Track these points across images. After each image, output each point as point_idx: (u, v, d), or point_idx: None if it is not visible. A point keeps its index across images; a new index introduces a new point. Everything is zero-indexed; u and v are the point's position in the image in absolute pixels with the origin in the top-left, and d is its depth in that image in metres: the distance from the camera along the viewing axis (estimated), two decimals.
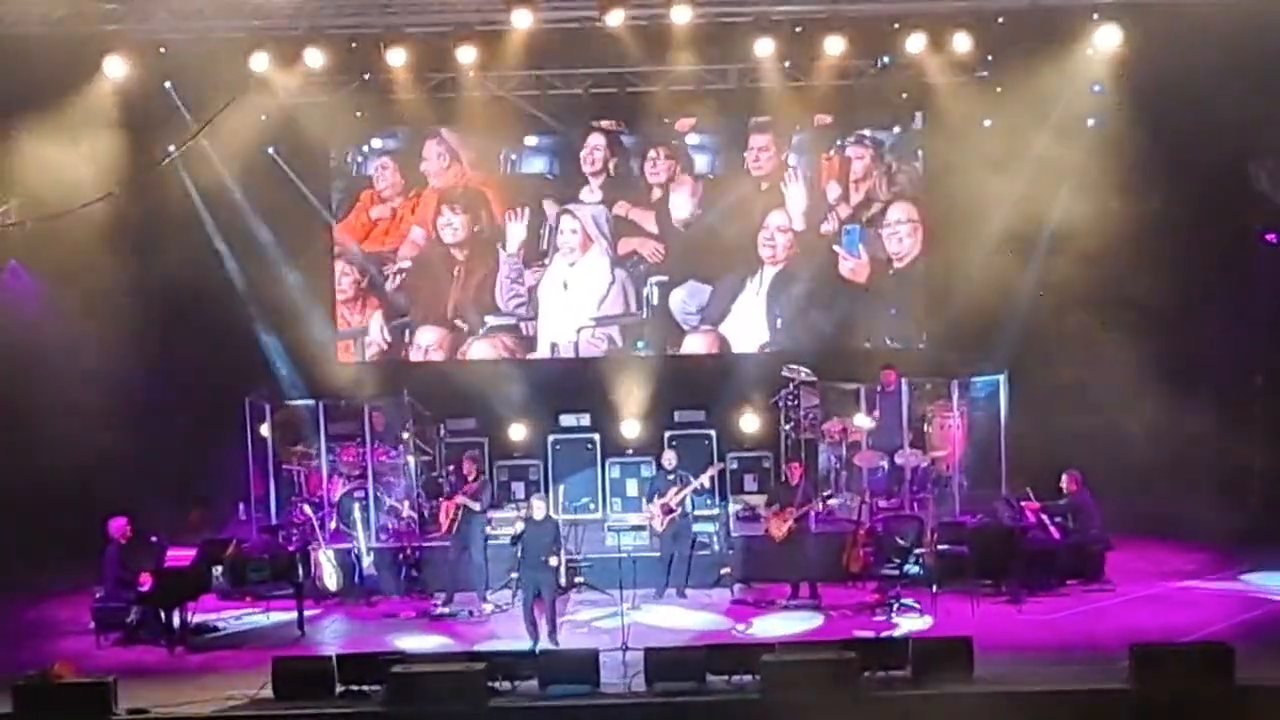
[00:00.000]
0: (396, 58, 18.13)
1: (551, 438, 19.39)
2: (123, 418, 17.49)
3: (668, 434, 19.08)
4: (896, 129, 20.43)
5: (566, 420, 19.61)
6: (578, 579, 17.36)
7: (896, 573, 16.51)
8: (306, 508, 18.26)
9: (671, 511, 17.24)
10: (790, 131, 20.41)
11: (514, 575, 16.53)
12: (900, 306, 20.56)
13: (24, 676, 13.33)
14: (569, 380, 20.31)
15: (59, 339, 17.61)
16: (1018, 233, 19.16)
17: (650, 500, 17.51)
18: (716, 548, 17.81)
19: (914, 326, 20.56)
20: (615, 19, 17.29)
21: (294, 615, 16.28)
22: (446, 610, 16.81)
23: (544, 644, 15.07)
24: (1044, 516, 16.79)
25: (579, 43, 18.29)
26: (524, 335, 20.80)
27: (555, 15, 17.72)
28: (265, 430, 18.78)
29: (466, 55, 18.07)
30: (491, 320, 20.77)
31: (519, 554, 15.71)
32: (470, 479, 17.54)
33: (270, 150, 19.80)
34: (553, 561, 15.58)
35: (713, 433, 19.34)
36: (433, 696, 12.96)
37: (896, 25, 18.02)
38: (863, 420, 18.71)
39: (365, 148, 20.65)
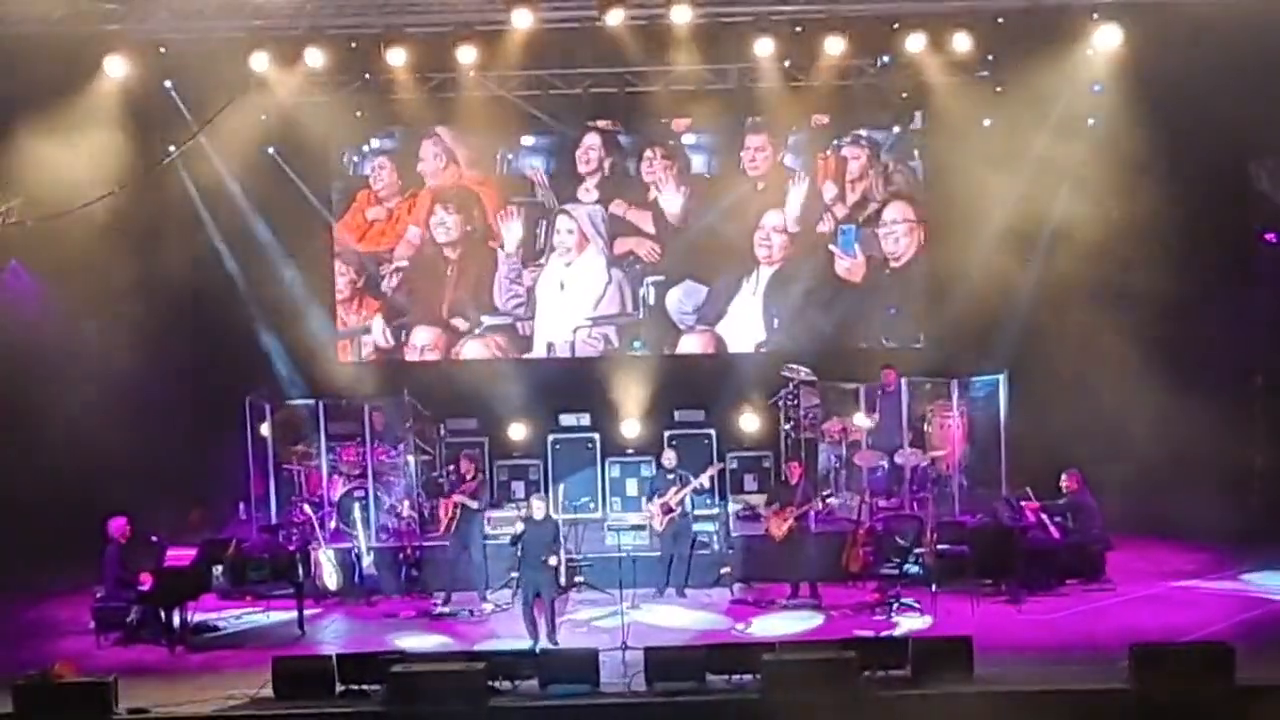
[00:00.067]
0: (396, 57, 18.13)
1: (551, 437, 19.38)
2: (123, 417, 17.46)
3: (667, 434, 19.08)
4: (896, 129, 20.41)
5: (566, 420, 19.60)
6: (578, 578, 17.36)
7: (896, 572, 16.52)
8: (306, 507, 18.27)
9: (671, 511, 17.25)
10: (786, 131, 20.40)
11: (514, 575, 16.53)
12: (897, 306, 20.55)
13: (24, 676, 13.34)
14: (569, 380, 20.31)
15: (59, 339, 17.64)
16: (1018, 232, 19.16)
17: (650, 500, 17.51)
18: (716, 547, 17.82)
19: (911, 326, 20.54)
20: (615, 19, 17.29)
21: (294, 615, 16.28)
22: (446, 610, 16.81)
23: (544, 644, 15.07)
24: (1044, 516, 16.80)
25: (578, 43, 18.29)
26: (521, 335, 20.79)
27: (555, 15, 17.72)
28: (265, 430, 18.77)
29: (466, 55, 18.07)
30: (489, 320, 20.76)
31: (519, 554, 15.71)
32: (468, 478, 17.55)
33: (270, 150, 19.79)
34: (552, 561, 15.59)
35: (712, 432, 19.34)
36: (433, 696, 12.97)
37: (896, 25, 18.02)
38: (862, 420, 18.71)
39: (365, 147, 20.64)
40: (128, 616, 15.79)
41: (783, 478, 17.89)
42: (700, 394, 19.85)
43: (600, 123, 20.40)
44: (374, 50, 18.19)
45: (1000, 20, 17.95)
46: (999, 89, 19.18)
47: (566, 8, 17.68)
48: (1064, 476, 17.01)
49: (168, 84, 18.43)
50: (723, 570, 17.44)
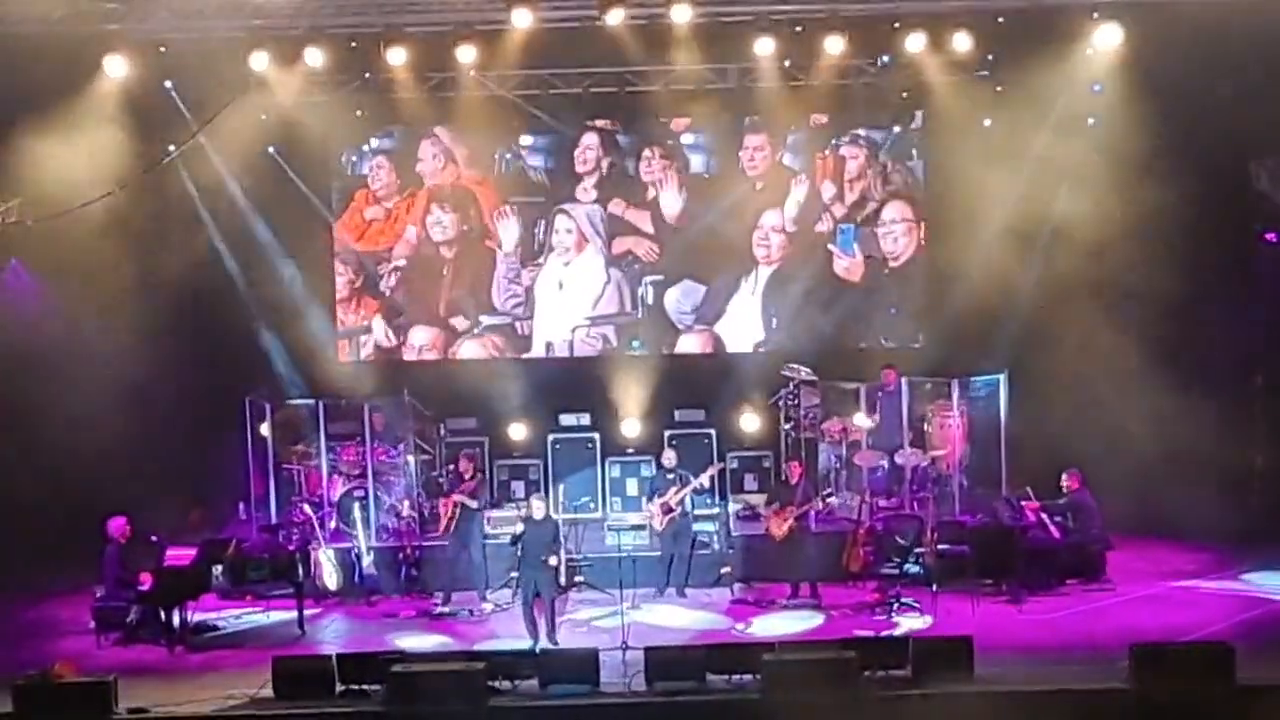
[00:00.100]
0: (396, 57, 18.13)
1: (551, 437, 19.38)
2: (123, 417, 17.45)
3: (668, 433, 19.07)
4: (896, 128, 20.40)
5: (566, 420, 19.60)
6: (578, 578, 17.36)
7: (896, 572, 16.53)
8: (306, 507, 18.26)
9: (671, 511, 17.24)
10: (785, 131, 20.39)
11: (514, 575, 16.53)
12: (896, 306, 20.54)
13: (24, 676, 13.33)
14: (569, 380, 20.30)
15: (59, 338, 17.62)
16: (1018, 232, 19.15)
17: (650, 500, 17.51)
18: (716, 547, 17.81)
19: (911, 326, 20.53)
20: (615, 18, 17.29)
21: (294, 615, 16.28)
22: (446, 610, 16.81)
23: (544, 643, 15.07)
24: (1044, 516, 16.80)
25: (579, 42, 18.28)
26: (520, 335, 20.78)
27: (555, 15, 17.72)
28: (265, 429, 18.78)
29: (466, 55, 18.07)
30: (487, 320, 20.75)
31: (519, 553, 15.70)
32: (467, 477, 17.55)
33: (270, 150, 19.78)
34: (552, 561, 15.58)
35: (713, 432, 19.34)
36: (433, 696, 12.96)
37: (897, 25, 18.01)
38: (863, 420, 18.70)
39: (366, 147, 20.62)
40: (128, 616, 15.79)
41: (783, 477, 17.89)
42: (700, 394, 19.85)
43: (599, 122, 20.39)
44: (374, 50, 18.19)
45: (1000, 20, 17.95)
46: (999, 88, 19.19)
47: (566, 7, 17.67)
48: (1064, 476, 17.01)
49: (168, 84, 18.43)
50: (723, 570, 17.43)
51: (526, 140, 20.54)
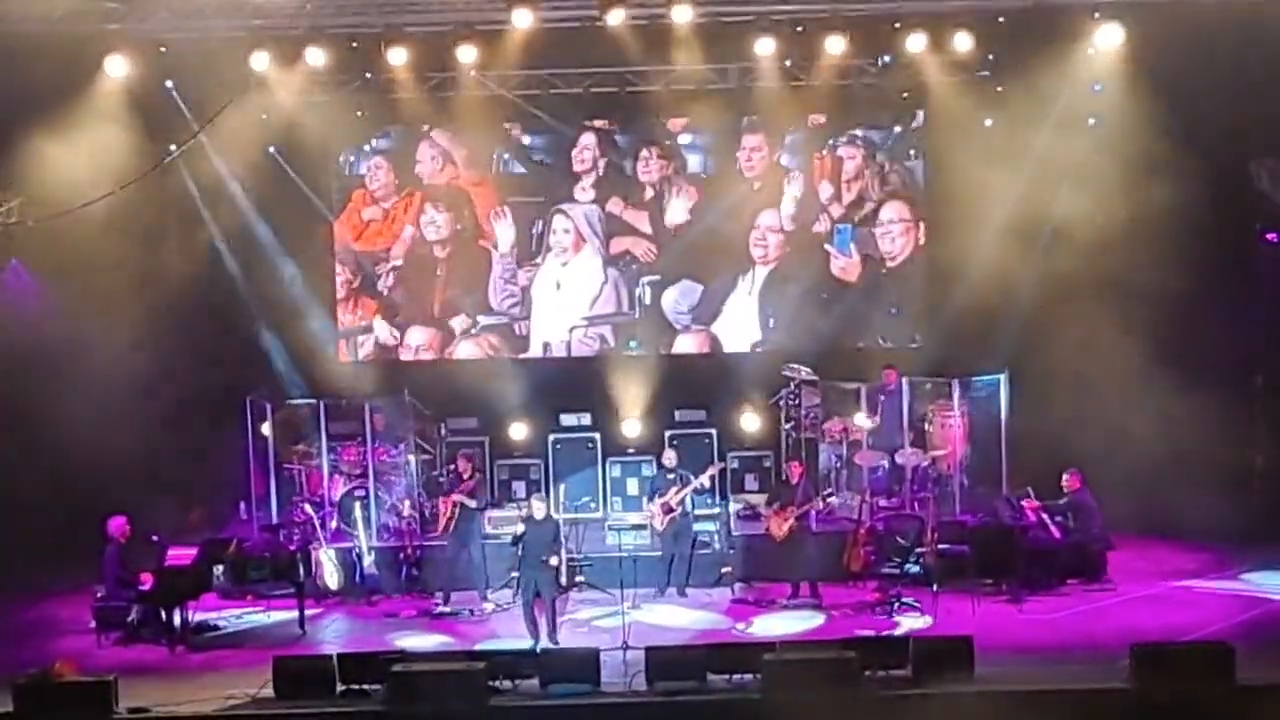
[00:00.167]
0: (397, 57, 18.14)
1: (552, 437, 19.39)
2: (123, 417, 17.42)
3: (668, 433, 19.08)
4: (897, 128, 20.39)
5: (567, 419, 19.61)
6: (578, 578, 17.35)
7: (897, 572, 16.54)
8: (307, 507, 18.27)
9: (672, 511, 17.24)
10: (783, 131, 20.38)
11: (514, 574, 16.53)
12: (893, 306, 20.52)
13: (25, 675, 13.32)
14: (570, 380, 20.30)
15: (60, 338, 17.62)
16: (1018, 232, 19.12)
17: (650, 499, 17.52)
18: (717, 547, 17.81)
19: (908, 326, 20.51)
20: (615, 18, 17.30)
21: (295, 614, 16.28)
22: (447, 609, 16.81)
23: (544, 643, 15.07)
24: (1045, 516, 16.81)
25: (579, 42, 18.29)
26: (517, 335, 20.77)
27: (555, 15, 17.73)
28: (266, 429, 18.78)
29: (467, 55, 18.09)
30: (485, 320, 20.74)
31: (519, 553, 15.71)
32: (466, 477, 17.54)
33: (271, 149, 19.78)
34: (553, 561, 15.59)
35: (713, 432, 19.34)
36: (433, 696, 12.96)
37: (897, 25, 18.04)
38: (863, 420, 18.71)
39: (366, 147, 20.62)
40: (128, 616, 15.79)
41: (783, 477, 17.90)
42: (701, 394, 19.85)
43: (597, 122, 20.38)
44: (374, 50, 18.20)
45: (1001, 20, 17.98)
46: (1000, 88, 19.21)
47: (567, 7, 17.69)
48: (1065, 476, 17.01)
49: (168, 83, 18.45)
50: (723, 570, 17.44)
51: (525, 140, 20.54)
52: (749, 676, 13.30)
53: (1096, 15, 17.63)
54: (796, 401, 19.31)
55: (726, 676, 13.46)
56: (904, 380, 18.69)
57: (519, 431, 19.50)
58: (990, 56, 18.77)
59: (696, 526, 17.61)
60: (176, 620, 15.60)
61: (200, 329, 19.30)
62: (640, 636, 14.70)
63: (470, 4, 17.70)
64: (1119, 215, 18.09)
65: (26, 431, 17.47)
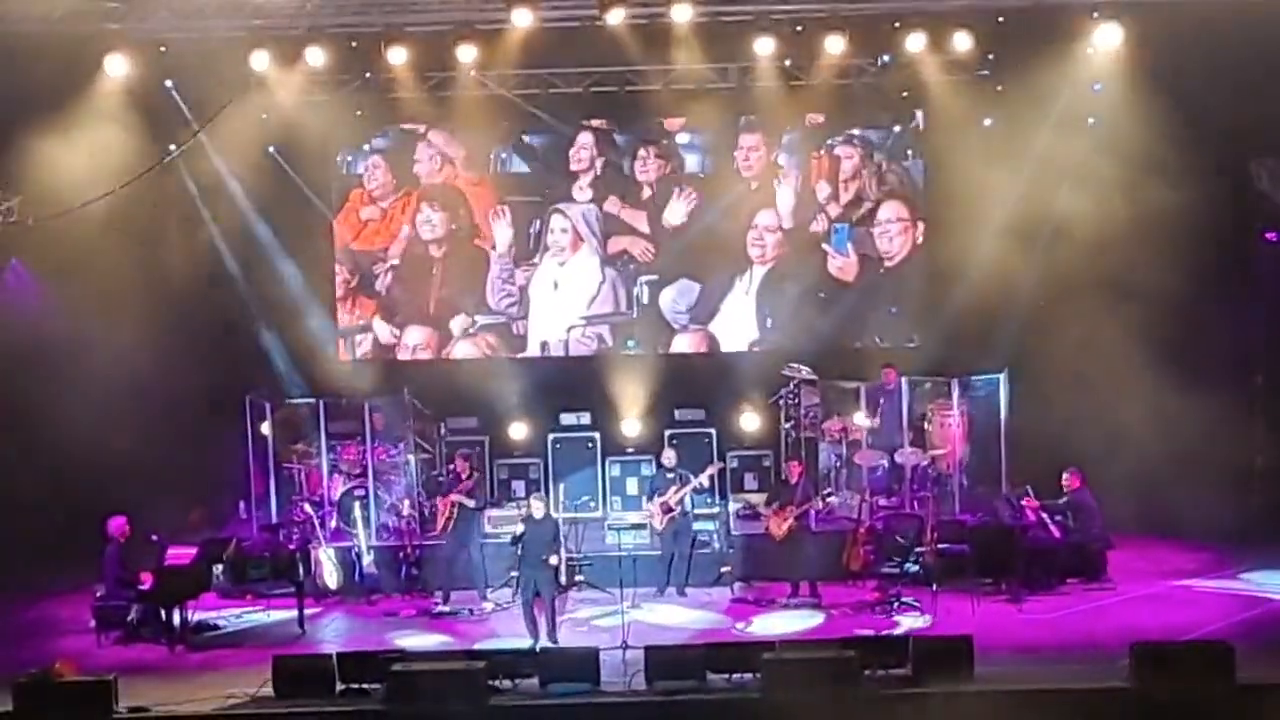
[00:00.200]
0: (397, 57, 18.15)
1: (552, 436, 19.39)
2: (123, 416, 17.45)
3: (668, 432, 19.08)
4: (897, 128, 20.37)
5: (567, 419, 19.61)
6: (578, 577, 17.35)
7: (897, 571, 16.54)
8: (307, 506, 18.28)
9: (671, 510, 17.25)
10: (780, 131, 20.36)
11: (514, 574, 16.53)
12: (890, 305, 20.51)
13: (25, 675, 13.31)
14: (570, 379, 20.30)
15: (59, 338, 17.62)
16: (1018, 232, 19.12)
17: (650, 499, 17.52)
18: (717, 546, 17.82)
19: (905, 325, 20.48)
20: (615, 18, 17.30)
21: (294, 614, 16.29)
22: (447, 609, 16.82)
23: (544, 642, 15.07)
24: (1044, 515, 16.80)
25: (579, 42, 18.29)
26: (515, 334, 20.76)
27: (555, 14, 17.73)
28: (266, 428, 18.79)
29: (467, 54, 18.09)
30: (482, 319, 20.73)
31: (519, 553, 15.71)
32: (464, 477, 17.54)
33: (271, 149, 19.77)
34: (553, 560, 15.59)
35: (713, 431, 19.34)
36: (433, 695, 12.96)
37: (897, 24, 18.04)
38: (863, 419, 18.70)
39: (366, 146, 20.61)
40: (128, 615, 15.80)
41: (783, 477, 17.91)
42: (700, 393, 19.85)
43: (594, 122, 20.37)
44: (374, 49, 18.21)
45: (1001, 19, 17.98)
46: (999, 88, 19.21)
47: (567, 6, 17.69)
48: (1065, 475, 17.01)
49: (168, 83, 18.44)
50: (723, 569, 17.44)
51: (523, 140, 20.51)
52: (748, 676, 13.30)
53: (1096, 15, 17.62)
54: (796, 401, 19.31)
55: (726, 676, 13.46)
56: (903, 379, 18.69)
57: (519, 431, 19.50)
58: (990, 56, 18.76)
59: (696, 526, 17.62)
60: (176, 620, 15.60)
61: (200, 328, 19.29)
62: (640, 636, 14.70)
63: (470, 3, 17.70)
64: (1119, 215, 18.06)
65: (26, 431, 17.48)
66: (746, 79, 19.31)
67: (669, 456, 17.78)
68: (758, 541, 17.48)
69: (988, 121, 19.49)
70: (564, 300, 20.71)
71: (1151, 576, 16.91)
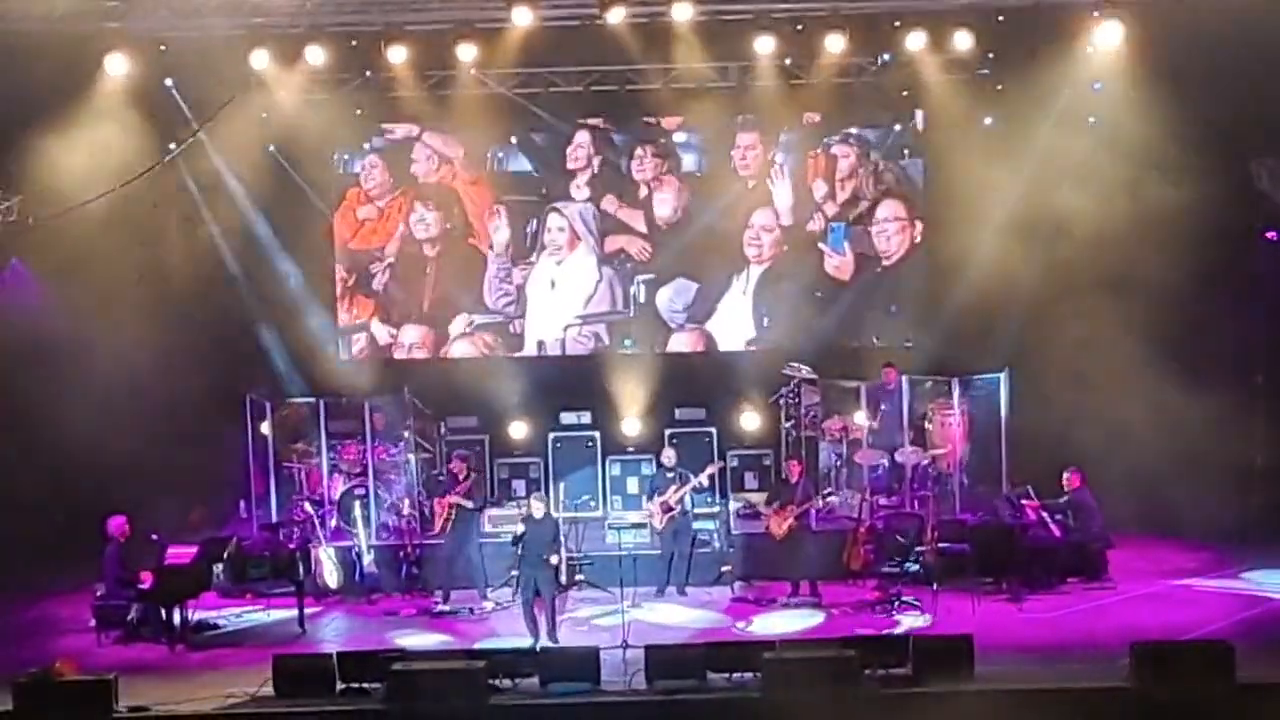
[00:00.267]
0: (397, 55, 18.14)
1: (552, 435, 19.39)
2: (123, 416, 17.43)
3: (668, 432, 19.07)
4: (897, 127, 20.36)
5: (567, 418, 19.61)
6: (578, 577, 17.35)
7: (897, 570, 16.54)
8: (307, 505, 18.28)
9: (671, 510, 17.25)
10: (778, 130, 20.35)
11: (514, 573, 16.52)
12: (888, 305, 20.50)
13: (25, 674, 13.30)
14: (570, 378, 20.29)
15: (59, 337, 17.61)
16: (1018, 230, 19.12)
17: (650, 498, 17.52)
18: (717, 545, 17.82)
19: (903, 325, 20.45)
20: (615, 17, 17.31)
21: (294, 613, 16.29)
22: (447, 608, 16.81)
23: (544, 642, 15.07)
24: (1045, 514, 16.80)
25: (579, 41, 18.29)
26: (512, 333, 20.75)
27: (555, 13, 17.73)
28: (266, 428, 18.79)
29: (466, 53, 18.09)
30: (480, 319, 20.72)
31: (519, 552, 15.72)
32: (461, 478, 17.53)
33: (271, 148, 19.76)
34: (553, 560, 15.59)
35: (713, 430, 19.33)
36: (433, 694, 12.95)
37: (897, 23, 18.07)
38: (863, 418, 18.70)
39: (366, 145, 20.59)
40: (128, 615, 15.79)
41: (783, 476, 17.91)
42: (700, 392, 19.84)
43: (591, 120, 20.35)
44: (374, 48, 18.21)
45: (1001, 18, 18.00)
46: (999, 87, 19.22)
47: (567, 5, 17.70)
48: (1065, 475, 17.01)
49: (168, 82, 18.44)
50: (723, 568, 17.44)
51: (521, 138, 20.49)
52: (749, 675, 13.29)
53: (1096, 13, 17.64)
54: (796, 400, 19.31)
55: (726, 675, 13.45)
56: (904, 379, 18.69)
57: (519, 430, 19.49)
58: (990, 55, 18.77)
59: (696, 525, 17.62)
60: (176, 619, 15.59)
61: (200, 328, 19.27)
62: (640, 635, 14.70)
63: (470, 2, 17.73)
64: (1119, 214, 18.06)
65: (26, 431, 17.48)
66: (746, 78, 19.30)
67: (669, 456, 17.77)
68: (758, 541, 17.48)
69: (988, 120, 19.50)
70: (561, 299, 20.70)
71: (1152, 576, 16.91)
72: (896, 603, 16.04)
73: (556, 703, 13.28)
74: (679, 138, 20.53)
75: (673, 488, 17.30)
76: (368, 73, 18.96)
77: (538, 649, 14.57)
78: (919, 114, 20.11)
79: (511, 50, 18.22)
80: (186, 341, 18.88)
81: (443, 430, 19.40)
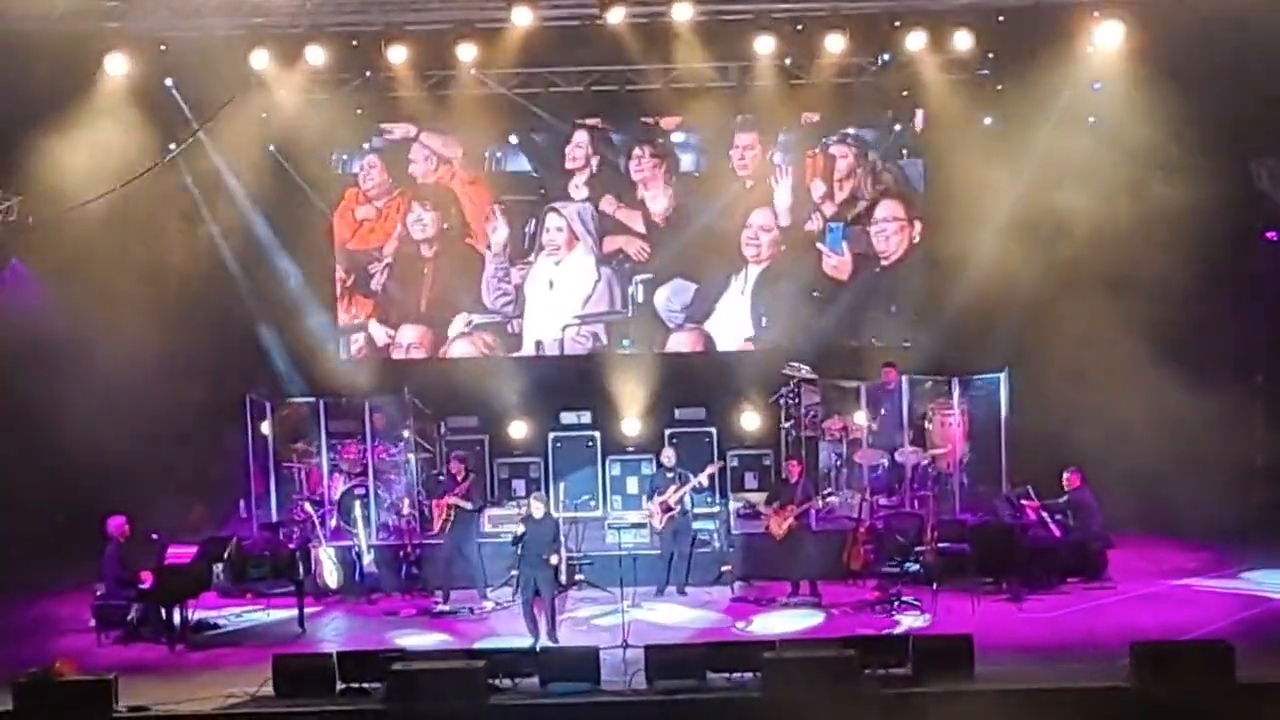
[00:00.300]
0: (397, 55, 18.14)
1: (552, 435, 19.38)
2: (123, 415, 17.43)
3: (668, 432, 19.06)
4: (897, 127, 20.35)
5: (567, 418, 19.60)
6: (578, 576, 17.36)
7: (897, 570, 16.56)
8: (307, 505, 18.28)
9: (670, 510, 17.25)
10: (776, 130, 20.34)
11: (514, 572, 16.52)
12: (886, 304, 20.49)
13: (25, 674, 13.30)
14: (570, 378, 20.28)
15: (60, 337, 17.62)
16: (1018, 230, 19.10)
17: (650, 498, 17.52)
18: (717, 545, 17.82)
19: (903, 325, 20.45)
20: (616, 16, 17.31)
21: (294, 613, 16.30)
22: (447, 608, 16.82)
23: (544, 642, 15.07)
24: (1045, 514, 16.80)
25: (579, 41, 18.29)
26: (510, 333, 20.75)
27: (555, 13, 17.73)
28: (266, 428, 18.79)
29: (467, 53, 18.09)
30: (478, 318, 20.72)
31: (519, 552, 15.72)
32: (459, 479, 17.53)
33: (271, 148, 19.75)
34: (553, 559, 15.59)
35: (713, 430, 19.33)
36: (433, 694, 12.95)
37: (897, 23, 18.07)
38: (863, 418, 18.70)
39: (366, 145, 20.59)
40: (128, 615, 15.79)
41: (783, 476, 17.91)
42: (701, 392, 19.84)
43: (589, 120, 20.34)
44: (375, 48, 18.21)
45: (1001, 18, 18.00)
46: (999, 87, 19.21)
47: (567, 5, 17.70)
48: (1065, 474, 17.02)
49: (168, 82, 18.43)
50: (723, 568, 17.44)
51: (521, 138, 20.48)
52: (749, 675, 13.29)
53: (1096, 13, 17.64)
54: (796, 400, 19.30)
55: (726, 675, 13.45)
56: (904, 378, 18.68)
57: (519, 430, 19.49)
58: (990, 55, 18.77)
59: (696, 525, 17.62)
60: (176, 619, 15.60)
61: (200, 327, 19.24)
62: (640, 635, 14.70)
63: (470, 2, 17.73)
64: (1119, 214, 18.06)
65: (27, 431, 17.47)
66: (746, 78, 19.29)
67: (668, 456, 17.78)
68: (758, 541, 17.48)
69: (988, 120, 19.49)
70: (559, 299, 20.70)
71: (1152, 576, 16.91)
72: (896, 603, 16.05)
73: (556, 702, 13.29)
74: (677, 138, 20.52)
75: (672, 488, 17.31)
76: (368, 73, 18.97)
77: (538, 649, 14.57)
78: (919, 114, 20.10)
79: (511, 50, 18.23)
80: (186, 341, 18.88)
81: (443, 430, 19.39)
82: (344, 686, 13.50)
